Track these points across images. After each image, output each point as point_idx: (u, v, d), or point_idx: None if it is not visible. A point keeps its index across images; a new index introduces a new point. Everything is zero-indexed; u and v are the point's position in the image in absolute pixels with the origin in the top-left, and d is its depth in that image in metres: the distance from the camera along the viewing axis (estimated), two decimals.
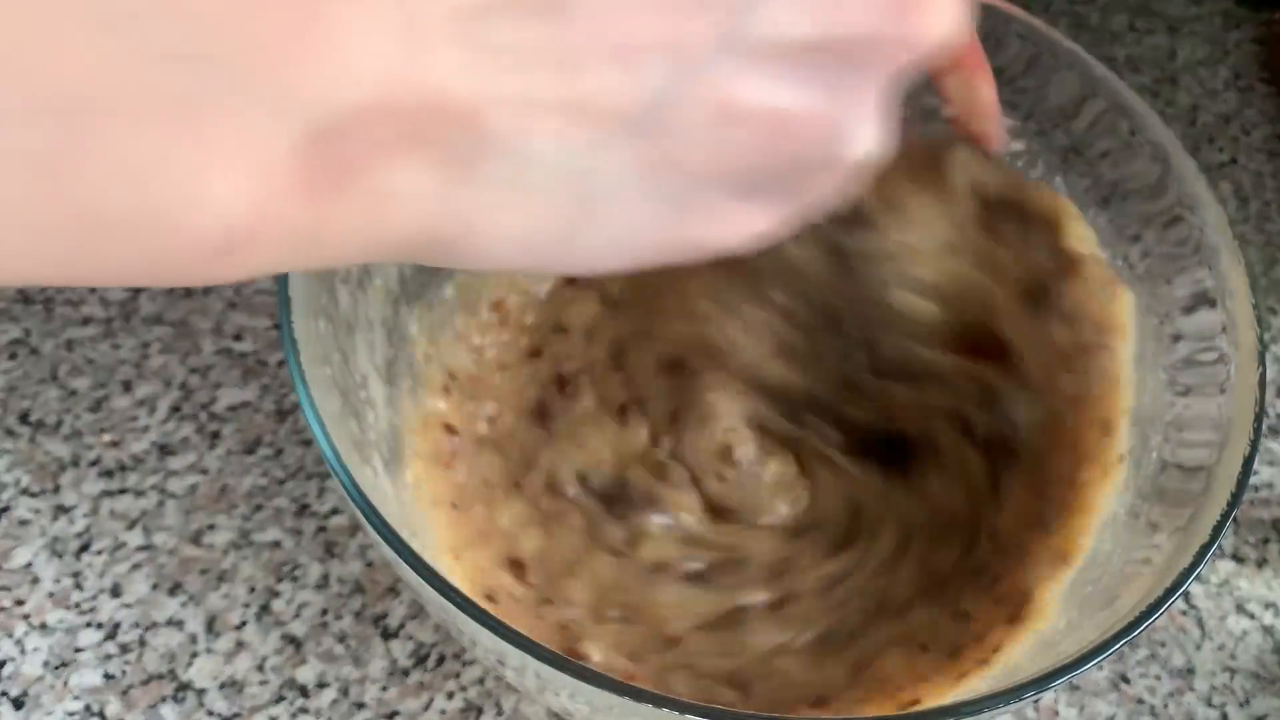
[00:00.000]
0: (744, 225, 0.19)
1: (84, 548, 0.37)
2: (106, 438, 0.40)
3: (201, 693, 0.35)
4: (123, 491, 0.38)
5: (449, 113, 0.16)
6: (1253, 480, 0.43)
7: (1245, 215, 0.52)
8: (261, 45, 0.14)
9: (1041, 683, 0.25)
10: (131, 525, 0.38)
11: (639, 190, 0.18)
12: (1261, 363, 0.30)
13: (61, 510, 0.38)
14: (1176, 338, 0.32)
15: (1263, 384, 0.29)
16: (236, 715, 0.34)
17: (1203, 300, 0.32)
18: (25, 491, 0.38)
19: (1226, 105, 0.56)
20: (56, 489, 0.38)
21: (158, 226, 0.15)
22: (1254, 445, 0.28)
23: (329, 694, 0.35)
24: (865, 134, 0.19)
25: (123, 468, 0.39)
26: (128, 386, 0.41)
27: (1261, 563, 0.41)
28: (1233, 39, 0.60)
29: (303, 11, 0.14)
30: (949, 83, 0.30)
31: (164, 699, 0.34)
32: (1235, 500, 0.27)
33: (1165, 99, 0.56)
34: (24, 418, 0.40)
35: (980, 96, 0.30)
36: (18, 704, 0.34)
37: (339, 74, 0.15)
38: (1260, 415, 0.29)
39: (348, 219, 0.16)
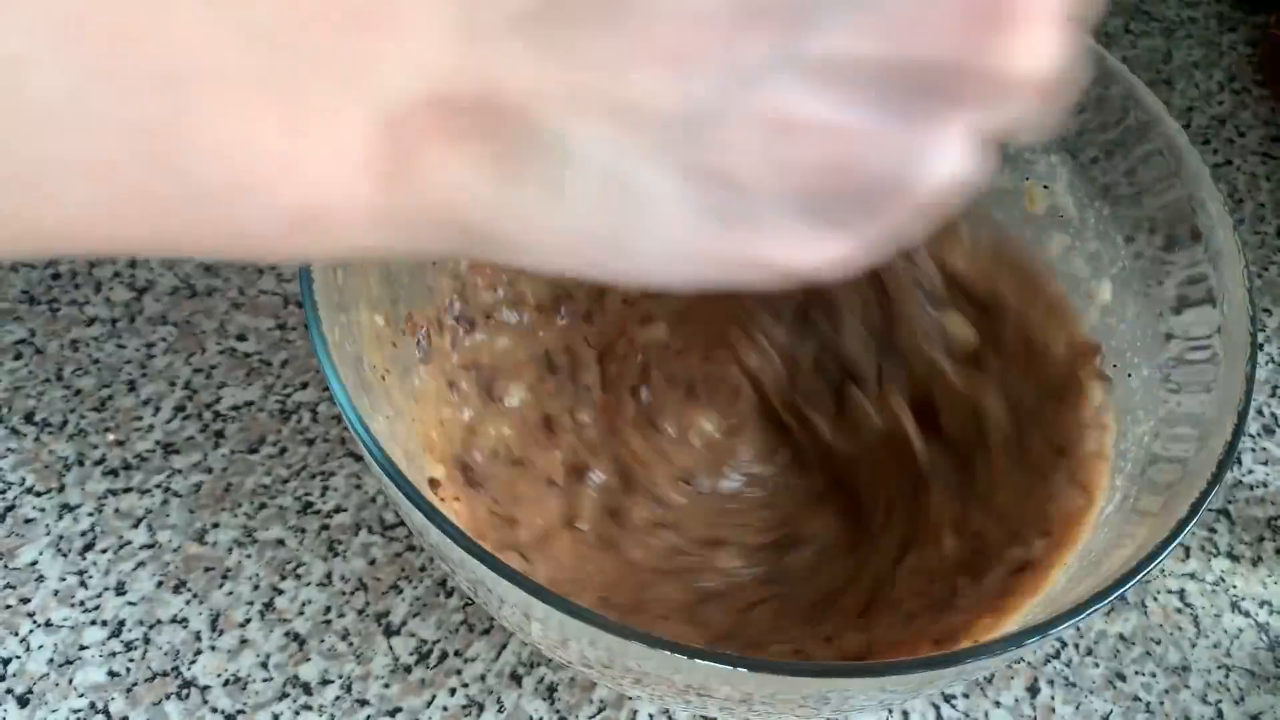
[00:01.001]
0: (813, 249, 0.18)
1: (89, 546, 0.37)
2: (111, 437, 0.40)
3: (205, 690, 0.35)
4: (127, 490, 0.39)
5: (502, 107, 0.16)
6: (1248, 479, 0.43)
7: (1240, 217, 0.52)
8: (339, 30, 0.15)
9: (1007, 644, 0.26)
10: (136, 524, 0.38)
11: (686, 199, 0.17)
12: (1251, 363, 0.30)
13: (66, 509, 0.38)
14: (1169, 335, 0.33)
15: (1249, 383, 0.30)
16: (240, 712, 0.35)
17: (1200, 299, 0.32)
18: (30, 490, 0.38)
19: (1221, 107, 0.57)
20: (61, 488, 0.39)
21: (244, 196, 0.16)
22: (1233, 444, 0.28)
23: (332, 691, 0.35)
24: (943, 161, 0.17)
25: (127, 467, 0.39)
26: (132, 386, 0.41)
27: (1257, 561, 0.41)
28: (1227, 41, 0.60)
29: (374, 1, 0.15)
30: None
31: (168, 696, 0.35)
32: (1205, 495, 0.28)
33: (1160, 101, 0.56)
34: (29, 417, 0.40)
35: None
36: (23, 701, 0.34)
37: (405, 63, 0.16)
38: (1244, 415, 0.29)
39: (413, 206, 0.17)
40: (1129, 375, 0.34)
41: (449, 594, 0.37)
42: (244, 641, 0.36)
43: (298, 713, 0.35)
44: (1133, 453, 0.32)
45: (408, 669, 0.36)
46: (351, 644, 0.36)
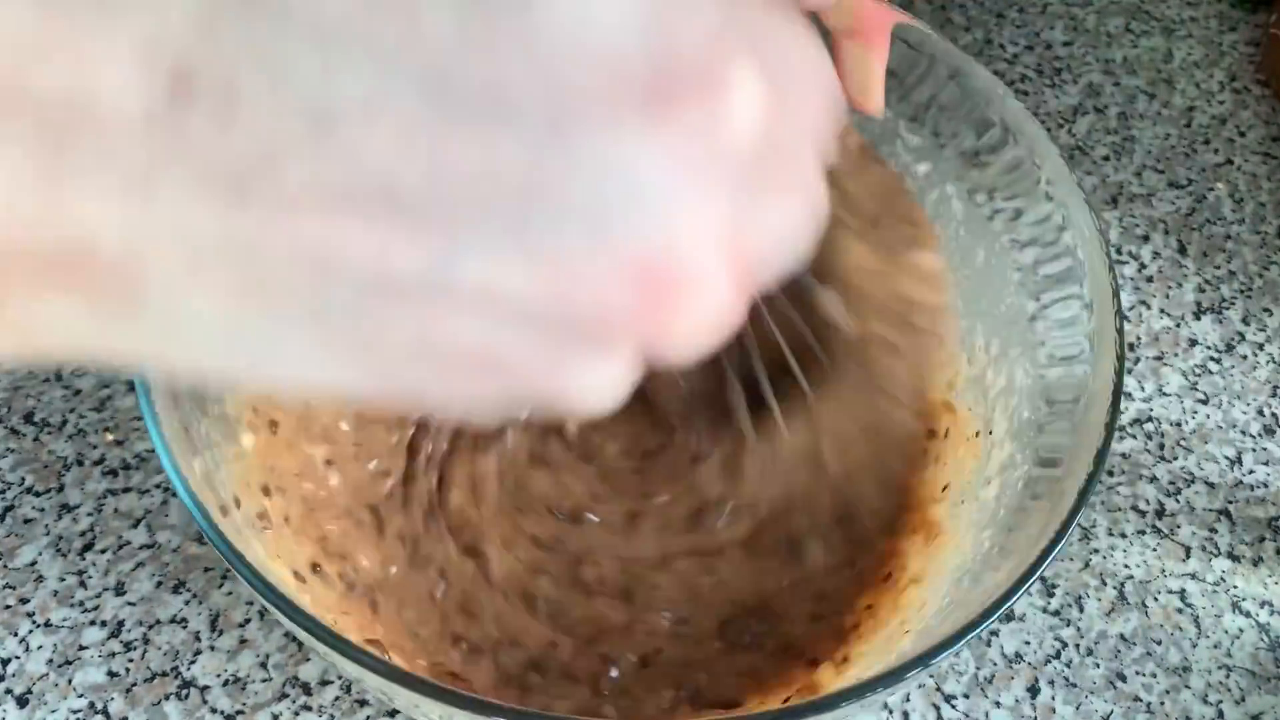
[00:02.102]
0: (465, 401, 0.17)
1: (88, 546, 0.37)
2: (110, 437, 0.40)
3: (205, 690, 0.35)
4: (126, 490, 0.39)
5: (99, 261, 0.15)
6: (1248, 479, 0.43)
7: (1240, 216, 0.52)
8: None
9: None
10: (135, 524, 0.38)
11: (321, 352, 0.16)
12: (1119, 316, 0.31)
13: (66, 509, 0.38)
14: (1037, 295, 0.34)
15: (1121, 335, 0.31)
16: (239, 712, 0.34)
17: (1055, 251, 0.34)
18: (30, 490, 0.38)
19: (1222, 107, 0.57)
20: (61, 488, 0.39)
21: None
22: (1111, 423, 0.30)
23: (331, 691, 0.35)
24: (591, 387, 0.17)
25: (126, 466, 0.39)
26: (132, 386, 0.41)
27: (1257, 561, 0.41)
28: (1228, 41, 0.60)
29: None
30: (846, 48, 0.30)
31: (167, 696, 0.35)
32: (1091, 481, 0.29)
33: (1161, 100, 0.56)
34: (29, 417, 0.40)
35: (872, 70, 0.30)
36: (22, 701, 0.34)
37: None
38: (1118, 387, 0.30)
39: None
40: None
41: None
42: (243, 641, 0.36)
43: (297, 713, 0.35)
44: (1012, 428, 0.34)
45: None
46: None
